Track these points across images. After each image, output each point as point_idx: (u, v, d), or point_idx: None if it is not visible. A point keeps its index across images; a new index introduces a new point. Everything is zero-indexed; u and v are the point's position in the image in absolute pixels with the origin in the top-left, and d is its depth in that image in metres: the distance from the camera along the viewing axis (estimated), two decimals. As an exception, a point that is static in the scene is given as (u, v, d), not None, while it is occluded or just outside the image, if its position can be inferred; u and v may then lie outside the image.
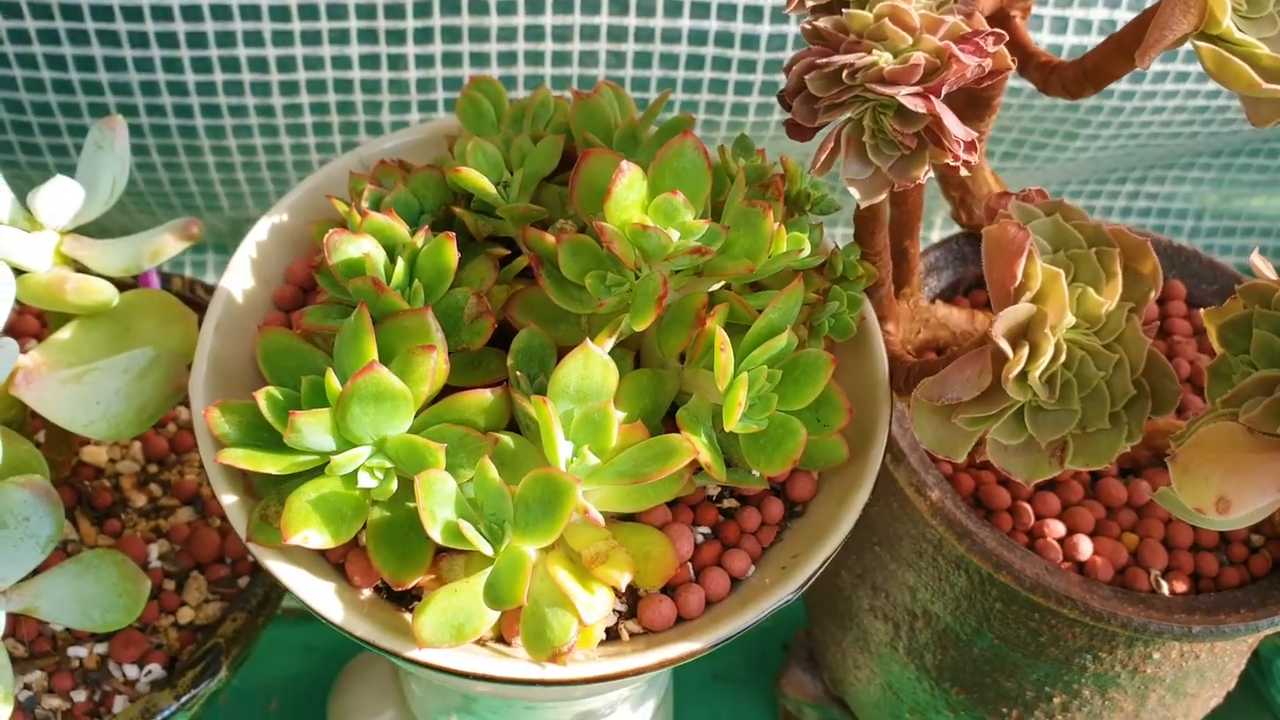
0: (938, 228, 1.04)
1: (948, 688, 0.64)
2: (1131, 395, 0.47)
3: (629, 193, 0.47)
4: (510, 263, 0.52)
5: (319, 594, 0.46)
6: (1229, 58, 0.44)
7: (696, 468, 0.48)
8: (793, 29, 0.78)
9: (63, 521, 0.51)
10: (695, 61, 0.79)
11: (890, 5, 0.43)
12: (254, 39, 0.75)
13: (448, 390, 0.47)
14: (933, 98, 0.42)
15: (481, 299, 0.49)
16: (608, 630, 0.48)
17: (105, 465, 0.65)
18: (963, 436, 0.47)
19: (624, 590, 0.48)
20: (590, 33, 0.78)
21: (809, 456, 0.49)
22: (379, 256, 0.49)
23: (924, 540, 0.60)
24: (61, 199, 0.54)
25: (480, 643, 0.47)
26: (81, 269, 0.55)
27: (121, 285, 0.56)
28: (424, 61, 0.78)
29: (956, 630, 0.61)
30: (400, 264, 0.49)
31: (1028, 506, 0.60)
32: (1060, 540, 0.59)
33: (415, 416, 0.46)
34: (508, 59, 0.79)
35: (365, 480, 0.46)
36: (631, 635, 0.48)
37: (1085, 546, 0.58)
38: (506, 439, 0.47)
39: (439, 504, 0.44)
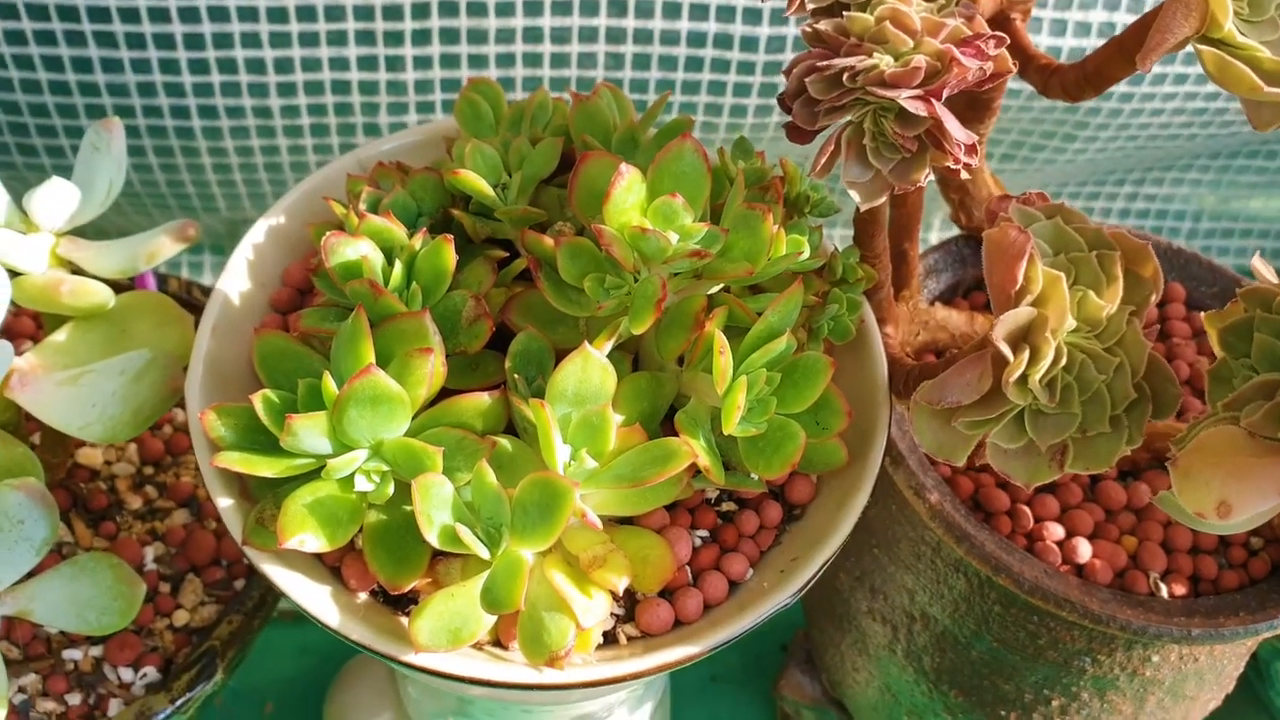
0: (936, 229, 1.04)
1: (946, 690, 0.64)
2: (1132, 399, 0.47)
3: (628, 195, 0.47)
4: (508, 265, 0.52)
5: (315, 598, 0.46)
6: (1231, 61, 0.43)
7: (695, 471, 0.48)
8: (791, 31, 0.78)
9: (57, 524, 0.50)
10: (694, 63, 0.79)
11: (891, 8, 0.43)
12: (251, 40, 0.75)
13: (445, 393, 0.47)
14: (934, 100, 0.42)
15: (480, 301, 0.49)
16: (605, 634, 0.48)
17: (101, 467, 0.65)
18: (962, 440, 0.47)
19: (622, 594, 0.48)
20: (588, 35, 0.77)
21: (808, 460, 0.49)
22: (376, 259, 0.49)
23: (923, 543, 0.60)
24: (57, 200, 0.54)
25: (477, 646, 0.47)
26: (77, 271, 0.55)
27: (118, 287, 0.56)
28: (422, 63, 0.78)
29: (955, 633, 0.61)
30: (398, 266, 0.49)
31: (1027, 509, 0.60)
32: (1059, 543, 0.59)
33: (412, 419, 0.46)
34: (506, 61, 0.79)
35: (362, 484, 0.45)
36: (629, 639, 0.48)
37: (1084, 549, 0.58)
38: (504, 442, 0.46)
39: (436, 508, 0.44)
